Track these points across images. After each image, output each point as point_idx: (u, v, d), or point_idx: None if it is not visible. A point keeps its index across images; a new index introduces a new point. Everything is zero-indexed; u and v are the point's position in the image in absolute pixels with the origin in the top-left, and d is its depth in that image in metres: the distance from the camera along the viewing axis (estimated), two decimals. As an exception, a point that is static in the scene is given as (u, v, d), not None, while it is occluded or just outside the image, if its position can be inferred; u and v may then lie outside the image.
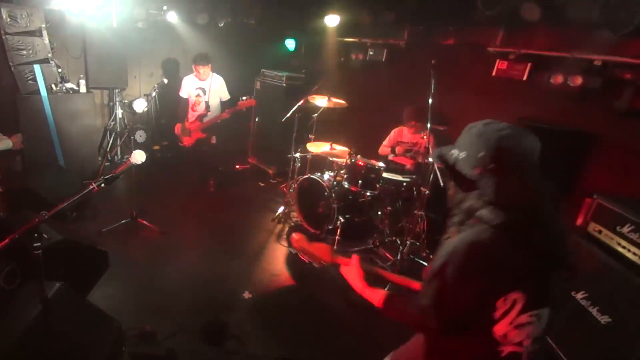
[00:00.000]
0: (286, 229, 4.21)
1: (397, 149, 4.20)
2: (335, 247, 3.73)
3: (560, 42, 3.29)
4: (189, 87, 4.69)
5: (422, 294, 1.22)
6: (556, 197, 1.24)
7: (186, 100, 4.75)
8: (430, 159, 3.31)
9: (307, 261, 1.64)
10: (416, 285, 1.54)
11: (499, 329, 1.15)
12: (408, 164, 4.08)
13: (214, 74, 4.68)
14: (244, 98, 4.40)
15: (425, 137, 3.44)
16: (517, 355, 1.18)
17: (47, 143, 4.26)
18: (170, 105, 5.95)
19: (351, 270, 1.50)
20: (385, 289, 1.40)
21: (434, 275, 1.17)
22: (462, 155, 1.20)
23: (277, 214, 4.36)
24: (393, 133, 4.31)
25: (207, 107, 4.65)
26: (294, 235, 1.66)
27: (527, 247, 1.10)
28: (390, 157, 4.29)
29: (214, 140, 4.75)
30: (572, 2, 2.89)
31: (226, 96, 4.76)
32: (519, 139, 1.16)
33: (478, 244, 1.11)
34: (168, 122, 5.51)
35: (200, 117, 4.64)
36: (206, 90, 4.64)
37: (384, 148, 4.37)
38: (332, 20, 5.05)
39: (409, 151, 4.17)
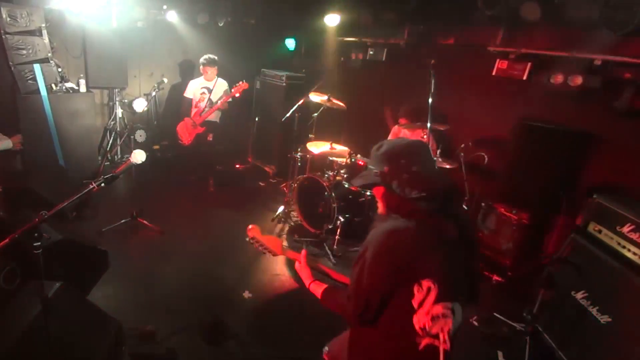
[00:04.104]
0: (286, 228, 4.22)
1: None
2: (335, 246, 3.73)
3: (560, 42, 3.29)
4: (194, 88, 4.85)
5: (349, 282, 1.34)
6: (453, 185, 1.40)
7: (190, 100, 4.86)
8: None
9: (260, 251, 1.76)
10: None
11: (418, 319, 1.24)
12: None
13: (219, 78, 4.84)
14: (237, 84, 4.54)
15: (425, 136, 3.44)
16: (434, 349, 1.26)
17: (47, 143, 4.26)
18: (170, 105, 5.96)
19: (302, 268, 1.65)
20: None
21: (355, 262, 1.30)
22: (385, 169, 1.37)
23: (277, 213, 4.36)
24: (393, 131, 4.32)
25: (211, 103, 4.76)
26: (250, 226, 1.72)
27: (435, 232, 1.23)
28: None
29: (210, 137, 4.80)
30: (572, 2, 2.89)
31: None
32: (398, 145, 1.38)
33: (393, 230, 1.25)
34: (168, 121, 5.51)
35: (201, 112, 4.74)
36: (211, 89, 4.79)
37: None
38: (332, 20, 5.04)
39: None
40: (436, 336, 1.25)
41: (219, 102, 4.66)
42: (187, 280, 3.18)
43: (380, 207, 1.43)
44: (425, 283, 1.21)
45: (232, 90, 4.55)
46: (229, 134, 5.49)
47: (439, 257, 1.22)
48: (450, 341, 1.28)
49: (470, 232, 1.35)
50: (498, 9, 3.24)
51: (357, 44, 5.26)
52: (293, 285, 3.29)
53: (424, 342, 1.26)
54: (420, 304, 1.22)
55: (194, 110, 4.83)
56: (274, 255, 1.77)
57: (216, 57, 4.77)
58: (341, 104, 4.21)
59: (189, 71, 5.98)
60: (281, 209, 4.38)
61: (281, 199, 4.71)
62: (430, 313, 1.23)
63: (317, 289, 1.55)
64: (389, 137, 4.36)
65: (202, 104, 4.78)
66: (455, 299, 1.27)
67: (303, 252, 1.68)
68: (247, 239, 1.73)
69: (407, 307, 1.24)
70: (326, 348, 1.79)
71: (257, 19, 5.73)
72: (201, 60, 4.76)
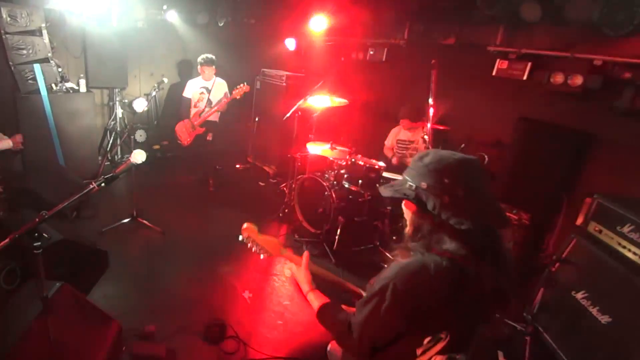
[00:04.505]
0: (286, 228, 4.22)
1: (394, 158, 4.25)
2: (335, 246, 3.73)
3: (560, 42, 3.29)
4: (193, 88, 4.82)
5: (356, 311, 1.19)
6: (505, 218, 1.18)
7: (189, 100, 4.84)
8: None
9: (254, 251, 1.60)
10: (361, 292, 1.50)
11: None
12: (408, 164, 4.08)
13: (218, 78, 4.82)
14: (239, 86, 4.53)
15: (425, 136, 3.44)
16: None
17: (47, 143, 4.26)
18: (170, 105, 5.96)
19: (300, 272, 1.48)
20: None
21: (372, 295, 1.12)
22: (422, 185, 1.13)
23: (277, 214, 4.36)
24: (393, 132, 4.32)
25: (210, 103, 4.75)
26: (245, 225, 1.58)
27: (469, 280, 1.04)
28: (394, 160, 4.29)
29: (210, 137, 4.79)
30: (572, 2, 2.89)
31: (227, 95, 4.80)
32: (446, 158, 1.13)
33: (422, 270, 1.06)
34: (168, 121, 5.51)
35: (201, 113, 4.73)
36: (209, 89, 4.77)
37: (386, 150, 4.41)
38: (332, 20, 5.03)
39: (406, 149, 4.18)
40: None
41: (219, 104, 4.66)
42: (187, 280, 3.18)
43: (408, 228, 1.22)
44: (440, 334, 1.09)
45: (234, 92, 4.54)
46: (229, 134, 5.48)
47: (464, 308, 1.06)
48: None
49: (506, 283, 1.11)
50: (498, 9, 3.24)
51: (357, 44, 5.25)
52: (293, 285, 3.29)
53: None
54: (424, 352, 1.11)
55: (193, 110, 4.82)
56: (272, 257, 1.61)
57: (214, 57, 4.75)
58: (343, 100, 4.21)
59: (189, 71, 5.99)
60: (281, 209, 4.38)
61: (281, 199, 4.71)
62: None
63: (316, 300, 1.38)
64: (389, 137, 4.36)
65: (201, 104, 4.78)
66: (462, 351, 1.14)
67: (305, 253, 1.53)
68: (241, 239, 1.58)
69: (409, 352, 1.12)
70: (329, 347, 1.77)
71: (257, 19, 5.73)
72: (199, 59, 4.74)
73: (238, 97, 4.56)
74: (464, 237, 1.07)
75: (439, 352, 1.09)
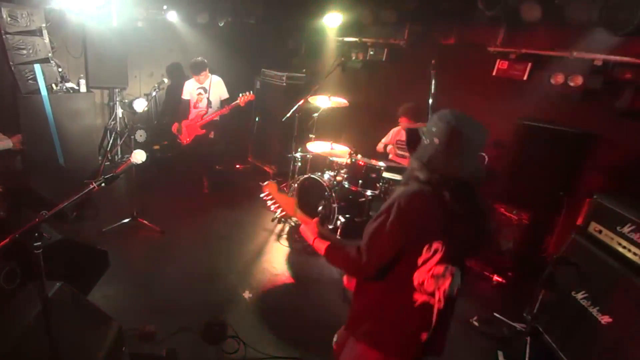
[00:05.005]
0: (286, 228, 4.22)
1: (390, 149, 4.22)
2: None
3: (560, 42, 3.29)
4: (190, 89, 4.78)
5: (364, 234, 1.39)
6: (480, 182, 1.40)
7: (187, 102, 4.81)
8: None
9: (273, 210, 1.80)
10: None
11: (418, 276, 1.34)
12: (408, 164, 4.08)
13: (213, 75, 4.75)
14: (244, 94, 4.49)
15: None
16: (429, 307, 1.36)
17: (47, 143, 4.26)
18: (170, 105, 5.96)
19: (308, 227, 1.66)
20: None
21: (379, 214, 1.35)
22: (426, 129, 1.42)
23: (277, 214, 4.34)
24: (392, 132, 4.31)
25: (209, 103, 4.73)
26: (267, 183, 1.77)
27: (446, 204, 1.30)
28: (390, 156, 4.29)
29: (212, 134, 4.78)
30: (572, 2, 2.89)
31: (225, 95, 4.79)
32: (474, 131, 1.35)
33: (414, 194, 1.33)
34: (168, 121, 5.51)
35: (202, 115, 4.71)
36: (207, 89, 4.73)
37: (380, 145, 4.38)
38: (332, 20, 5.04)
39: (404, 149, 4.18)
40: (432, 294, 1.35)
41: (222, 108, 4.63)
42: (187, 280, 3.18)
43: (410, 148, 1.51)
44: (435, 244, 1.31)
45: (238, 99, 4.48)
46: (229, 134, 5.48)
47: (449, 223, 1.31)
48: (445, 302, 1.37)
49: (485, 225, 1.40)
50: (498, 9, 3.24)
51: (357, 44, 5.26)
52: (293, 285, 3.29)
53: (421, 299, 1.35)
54: (424, 262, 1.32)
55: (194, 111, 4.79)
56: (286, 216, 1.79)
57: (202, 60, 4.61)
58: (343, 100, 4.21)
59: (189, 73, 5.98)
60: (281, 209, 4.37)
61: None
62: (431, 271, 1.33)
63: (321, 245, 1.55)
64: (388, 137, 4.35)
65: (202, 105, 4.75)
66: (456, 264, 1.37)
67: (316, 219, 1.70)
68: (262, 195, 1.77)
69: (411, 263, 1.33)
70: (335, 337, 1.81)
71: (257, 19, 5.73)
72: (189, 67, 4.64)
73: (242, 104, 4.51)
74: (448, 175, 1.33)
75: (437, 263, 1.32)
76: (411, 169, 1.42)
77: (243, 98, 4.48)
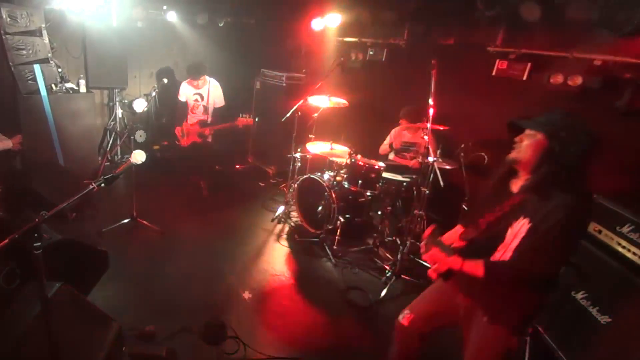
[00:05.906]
0: (286, 229, 4.22)
1: (393, 157, 4.24)
2: (335, 247, 3.73)
3: (560, 42, 3.29)
4: (187, 92, 4.70)
5: (541, 253, 1.45)
6: None
7: (185, 104, 4.74)
8: (430, 159, 3.30)
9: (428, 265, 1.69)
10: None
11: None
12: (409, 164, 4.09)
13: (211, 79, 4.67)
14: (245, 116, 4.43)
15: (425, 136, 3.44)
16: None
17: (47, 143, 4.26)
18: (170, 105, 5.95)
19: (434, 254, 1.61)
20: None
21: (557, 235, 1.42)
22: (571, 143, 1.59)
23: (277, 214, 4.36)
24: (393, 132, 4.32)
25: (206, 110, 4.68)
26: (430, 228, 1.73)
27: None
28: (391, 156, 4.30)
29: (210, 139, 4.74)
30: (572, 2, 2.89)
31: (221, 102, 4.71)
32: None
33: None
34: (168, 121, 5.51)
35: (201, 123, 4.64)
36: (204, 96, 4.65)
37: (383, 147, 4.39)
38: (332, 20, 5.04)
39: (407, 150, 4.18)
40: None
41: (221, 124, 4.58)
42: (187, 280, 3.18)
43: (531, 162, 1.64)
44: None
45: (239, 119, 4.41)
46: (229, 134, 5.48)
47: None
48: None
49: None
50: (498, 9, 3.24)
51: (357, 44, 5.26)
52: (293, 285, 3.30)
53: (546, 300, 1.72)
54: None
55: (190, 116, 4.71)
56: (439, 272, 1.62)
57: (205, 65, 4.56)
58: (343, 100, 4.21)
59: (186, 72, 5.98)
60: (281, 209, 4.38)
61: (281, 199, 4.71)
62: None
63: (474, 266, 1.52)
64: (388, 138, 4.36)
65: (198, 112, 4.67)
66: None
67: (431, 227, 1.71)
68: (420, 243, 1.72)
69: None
70: (407, 311, 1.83)
71: (257, 19, 5.73)
72: (187, 70, 4.56)
73: (240, 125, 4.45)
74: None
75: None
76: (546, 174, 1.61)
77: (242, 120, 4.40)
